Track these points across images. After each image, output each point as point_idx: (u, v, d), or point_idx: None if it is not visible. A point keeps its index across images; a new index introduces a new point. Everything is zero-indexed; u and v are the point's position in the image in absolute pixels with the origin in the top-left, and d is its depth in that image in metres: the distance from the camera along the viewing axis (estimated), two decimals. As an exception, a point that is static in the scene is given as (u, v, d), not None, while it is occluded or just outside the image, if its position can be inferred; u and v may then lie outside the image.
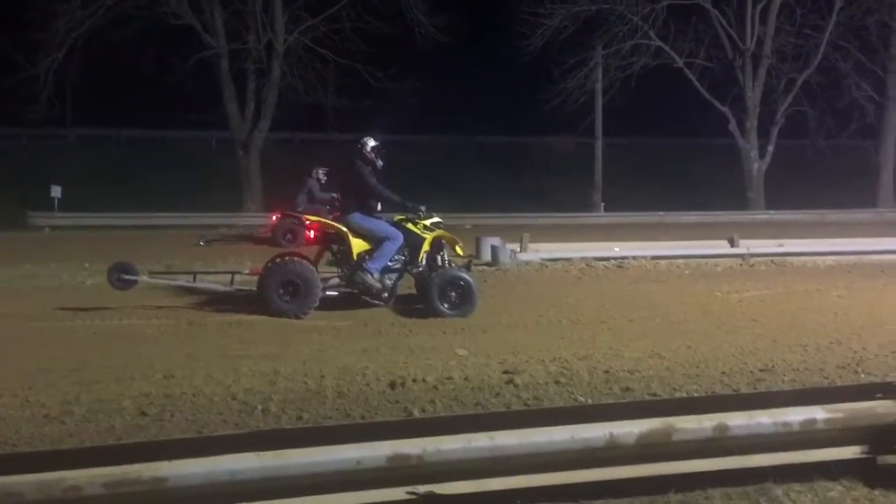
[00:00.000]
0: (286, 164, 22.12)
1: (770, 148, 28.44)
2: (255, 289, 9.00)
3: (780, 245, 14.42)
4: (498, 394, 5.79)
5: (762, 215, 26.05)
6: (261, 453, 3.45)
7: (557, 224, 22.78)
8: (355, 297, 9.13)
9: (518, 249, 13.59)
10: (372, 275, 8.95)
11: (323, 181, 16.54)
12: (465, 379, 6.14)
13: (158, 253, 14.38)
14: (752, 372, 6.37)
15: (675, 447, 3.91)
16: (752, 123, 28.18)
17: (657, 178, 31.71)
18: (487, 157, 33.87)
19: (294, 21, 24.99)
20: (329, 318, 8.71)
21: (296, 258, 9.07)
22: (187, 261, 13.48)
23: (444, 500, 3.68)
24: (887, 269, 12.72)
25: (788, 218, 24.50)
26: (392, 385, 5.96)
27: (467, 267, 9.78)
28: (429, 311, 8.83)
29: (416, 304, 9.24)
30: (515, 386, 5.94)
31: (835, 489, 4.11)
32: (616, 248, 14.04)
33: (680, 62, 27.61)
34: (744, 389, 5.85)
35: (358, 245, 9.05)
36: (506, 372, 6.31)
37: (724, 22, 27.73)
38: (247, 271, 9.74)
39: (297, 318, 8.67)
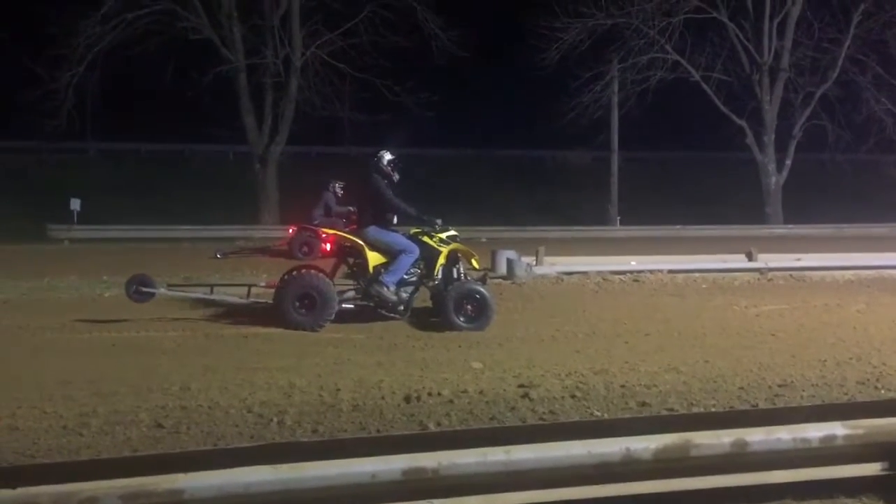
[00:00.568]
0: (302, 178, 22.23)
1: (788, 162, 28.31)
2: (271, 301, 9.03)
3: (799, 259, 14.31)
4: (513, 408, 5.76)
5: (780, 229, 25.90)
6: (276, 466, 3.45)
7: (573, 237, 22.73)
8: (371, 310, 9.12)
9: (534, 263, 13.56)
10: (388, 288, 8.95)
11: (339, 195, 16.59)
12: (481, 392, 6.13)
13: (176, 265, 14.46)
14: (770, 387, 6.32)
15: (692, 463, 3.88)
16: (770, 137, 28.08)
17: (674, 191, 31.60)
18: (503, 171, 33.88)
19: (311, 36, 25.17)
20: (344, 331, 8.72)
21: (312, 271, 9.09)
22: (204, 273, 13.55)
23: (460, 514, 3.66)
24: (907, 283, 12.60)
25: (806, 232, 24.33)
26: (407, 398, 5.95)
27: (483, 280, 9.77)
28: (444, 325, 8.82)
29: (432, 318, 9.23)
30: (531, 400, 5.92)
31: (855, 506, 4.07)
32: (633, 262, 13.98)
33: (697, 76, 27.57)
34: (762, 405, 5.80)
35: (374, 258, 9.06)
36: (521, 386, 6.29)
37: (741, 36, 27.69)
38: (263, 284, 9.77)
39: (313, 330, 8.68)
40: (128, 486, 3.29)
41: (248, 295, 9.45)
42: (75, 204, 22.10)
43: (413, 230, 9.42)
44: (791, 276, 13.55)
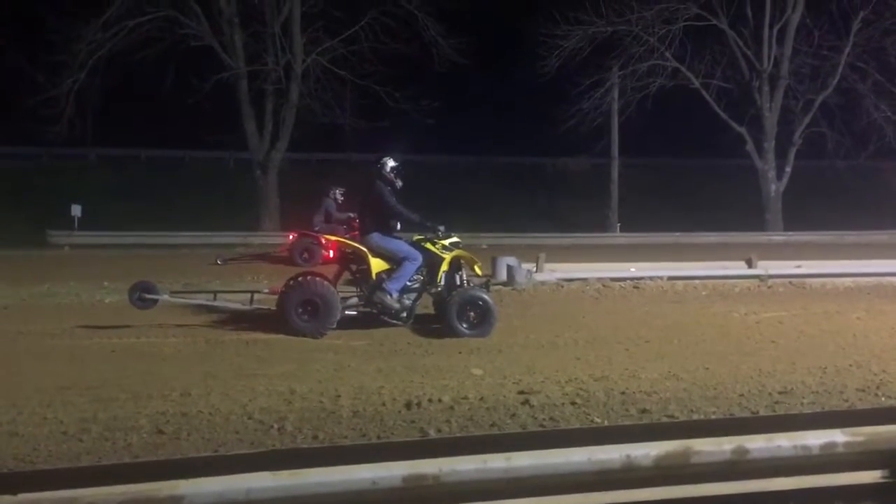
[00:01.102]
0: (303, 184, 22.29)
1: (788, 169, 28.36)
2: (273, 308, 9.03)
3: (799, 266, 14.31)
4: (514, 414, 5.77)
5: (780, 236, 25.93)
6: (276, 472, 3.45)
7: (573, 244, 22.76)
8: (374, 316, 9.13)
9: (534, 269, 13.57)
10: (391, 294, 8.95)
11: (340, 201, 16.61)
12: (481, 399, 6.13)
13: (176, 272, 14.48)
14: (770, 394, 6.31)
15: (693, 470, 3.87)
16: (770, 144, 28.13)
17: (674, 198, 31.61)
18: (504, 178, 33.91)
19: (312, 42, 25.24)
20: (345, 337, 8.72)
21: (316, 278, 9.09)
22: (205, 279, 13.58)
23: (460, 521, 3.66)
24: (907, 291, 12.61)
25: (806, 239, 24.36)
26: (408, 405, 5.95)
27: (485, 286, 9.78)
28: (446, 331, 8.82)
29: (434, 324, 9.23)
30: (531, 406, 5.92)
31: (856, 514, 4.07)
32: (632, 269, 13.99)
33: (696, 83, 27.63)
34: (762, 412, 5.80)
35: (377, 265, 9.07)
36: (521, 392, 6.29)
37: (740, 43, 27.76)
38: (266, 291, 9.77)
39: (315, 337, 8.68)
40: (128, 493, 3.29)
41: (252, 301, 9.46)
42: (76, 210, 22.12)
43: (416, 237, 9.43)
44: (791, 283, 13.55)
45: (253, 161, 25.95)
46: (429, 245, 9.25)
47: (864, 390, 6.44)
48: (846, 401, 6.15)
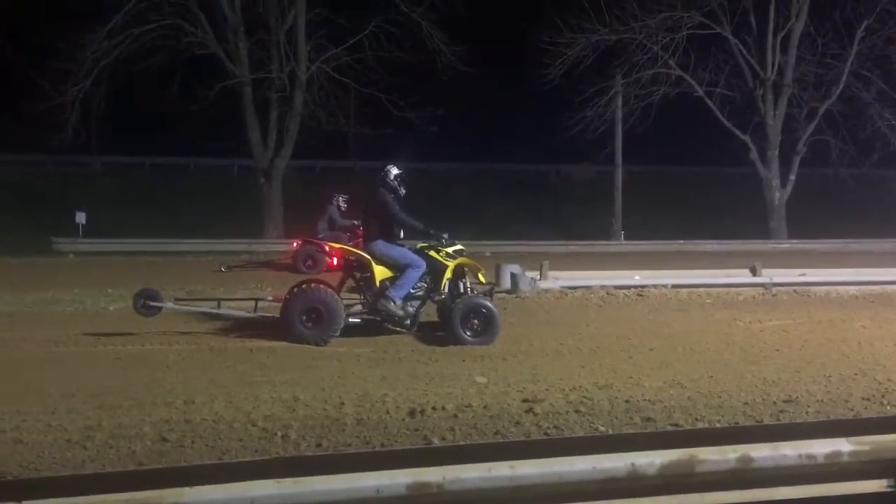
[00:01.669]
0: (307, 192, 22.33)
1: (792, 177, 28.34)
2: (278, 315, 9.03)
3: (803, 274, 14.27)
4: (518, 422, 5.76)
5: (784, 244, 25.88)
6: (280, 480, 3.44)
7: (577, 252, 22.74)
8: (377, 324, 9.12)
9: (538, 277, 13.55)
10: (395, 302, 8.95)
11: (343, 208, 16.63)
12: (485, 407, 6.12)
13: (180, 279, 14.49)
14: (775, 403, 6.30)
15: (697, 478, 3.86)
16: (774, 152, 28.12)
17: (677, 206, 31.59)
18: (507, 185, 33.91)
19: (317, 50, 25.30)
20: (349, 344, 8.72)
21: (320, 285, 9.09)
22: (209, 287, 13.58)
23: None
24: (912, 299, 12.57)
25: (811, 247, 24.29)
26: (412, 413, 5.95)
27: (489, 294, 9.78)
28: (450, 339, 8.82)
29: (438, 332, 9.23)
30: (535, 415, 5.91)
31: (861, 523, 4.05)
32: (636, 277, 13.96)
33: (700, 91, 27.63)
34: (767, 420, 5.79)
35: (381, 272, 9.07)
36: (525, 400, 6.28)
37: (744, 51, 27.78)
38: (270, 298, 9.77)
39: (318, 345, 8.67)
40: (132, 500, 3.28)
41: (256, 309, 9.46)
42: (80, 217, 22.16)
43: (419, 244, 9.43)
44: (795, 291, 13.52)
45: (257, 168, 26.00)
46: (432, 253, 9.25)
47: (869, 399, 6.43)
48: (851, 409, 6.14)
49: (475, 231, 22.21)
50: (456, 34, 25.38)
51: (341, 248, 9.82)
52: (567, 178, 36.48)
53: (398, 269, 9.07)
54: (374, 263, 9.08)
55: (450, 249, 9.34)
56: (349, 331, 9.01)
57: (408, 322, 9.09)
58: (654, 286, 13.34)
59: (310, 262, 16.11)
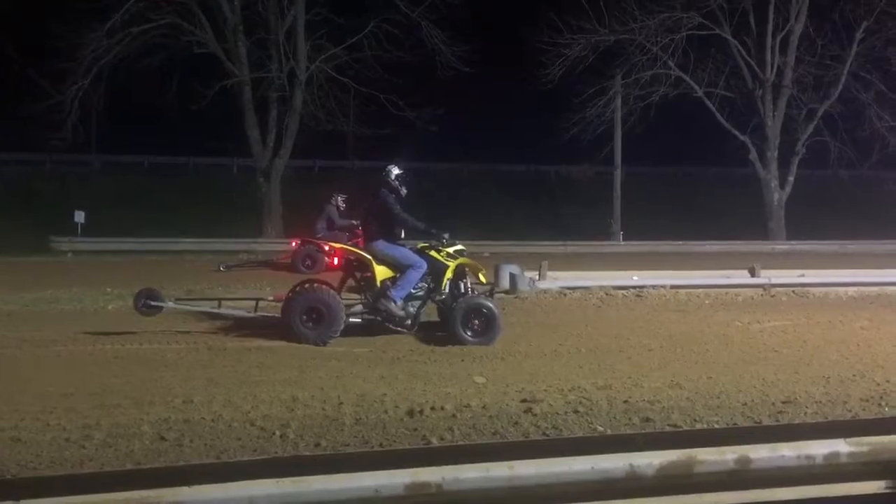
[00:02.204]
0: (306, 191, 22.34)
1: (791, 178, 28.35)
2: (278, 315, 9.03)
3: (802, 275, 14.28)
4: (516, 422, 5.76)
5: (783, 245, 25.91)
6: (279, 480, 3.44)
7: (576, 252, 22.75)
8: (378, 324, 9.12)
9: (537, 277, 13.56)
10: (395, 302, 8.95)
11: (342, 208, 16.63)
12: (484, 407, 6.12)
13: (179, 278, 14.50)
14: (773, 403, 6.30)
15: (696, 479, 3.86)
16: (773, 153, 28.13)
17: (676, 207, 31.62)
18: (506, 185, 33.94)
19: (316, 50, 25.29)
20: (348, 344, 8.71)
21: (322, 285, 9.08)
22: (208, 286, 13.59)
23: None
24: (911, 300, 12.58)
25: (809, 248, 24.31)
26: (410, 413, 5.95)
27: (490, 294, 9.78)
28: (451, 339, 8.82)
29: (438, 332, 9.23)
30: (534, 415, 5.91)
31: (860, 524, 4.05)
32: (635, 277, 13.97)
33: (700, 92, 27.64)
34: (766, 421, 5.79)
35: (382, 272, 9.07)
36: (524, 401, 6.29)
37: (743, 52, 27.79)
38: (271, 298, 9.77)
39: (318, 345, 8.65)
40: (130, 499, 3.28)
41: (256, 309, 9.45)
42: (79, 216, 22.14)
43: (420, 244, 9.43)
44: (794, 292, 13.53)
45: (256, 168, 26.00)
46: (433, 253, 9.25)
47: (867, 400, 6.43)
48: (850, 411, 6.14)
49: (474, 231, 22.19)
50: (455, 34, 25.41)
51: (342, 247, 9.83)
52: (566, 179, 36.53)
53: (399, 269, 9.07)
54: (374, 263, 9.08)
55: (450, 249, 9.34)
56: (348, 330, 9.00)
57: (408, 322, 9.09)
58: (653, 287, 13.34)
59: (309, 262, 16.12)
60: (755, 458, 3.89)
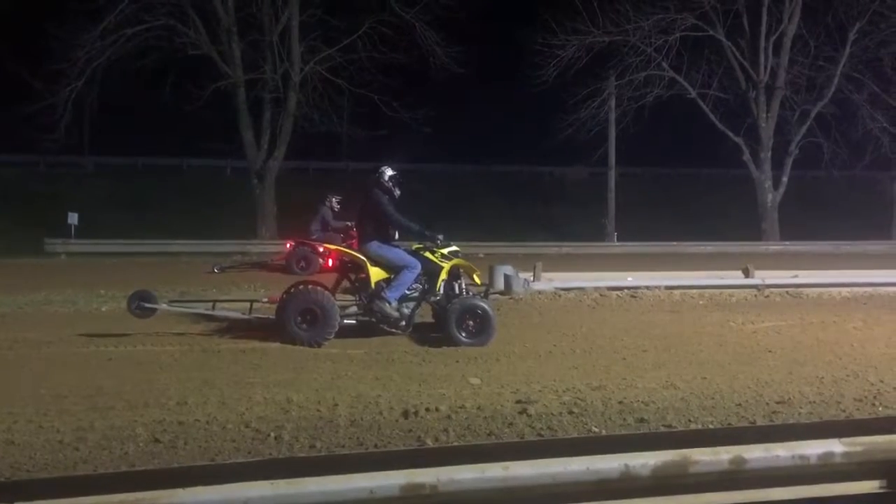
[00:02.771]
0: (300, 193, 22.33)
1: (784, 179, 28.45)
2: (272, 316, 9.01)
3: (795, 276, 14.34)
4: (511, 423, 5.76)
5: (776, 246, 25.99)
6: (274, 481, 3.43)
7: (570, 253, 22.80)
8: (372, 325, 9.11)
9: (531, 278, 13.58)
10: (390, 303, 8.94)
11: (336, 209, 16.63)
12: (478, 408, 6.12)
13: (173, 280, 14.46)
14: (768, 404, 6.32)
15: (691, 480, 3.86)
16: (766, 154, 28.21)
17: (670, 207, 31.70)
18: (501, 187, 33.96)
19: (310, 51, 25.30)
20: (342, 345, 8.70)
21: (317, 287, 9.07)
22: (201, 288, 13.57)
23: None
24: (904, 300, 12.62)
25: (803, 249, 24.41)
26: (405, 414, 5.94)
27: (485, 295, 9.77)
28: (445, 340, 8.82)
29: (433, 333, 9.23)
30: (529, 416, 5.91)
31: (854, 524, 4.06)
32: (629, 278, 14.00)
33: (693, 93, 27.72)
34: (760, 421, 5.80)
35: (376, 273, 9.07)
36: (519, 402, 6.29)
37: (737, 53, 27.87)
38: (265, 300, 9.75)
39: (312, 346, 8.64)
40: (125, 502, 3.26)
41: (251, 310, 9.44)
42: (73, 218, 22.09)
43: (415, 246, 9.42)
44: (788, 292, 13.57)
45: (250, 169, 25.98)
46: (428, 254, 9.25)
47: (861, 400, 6.45)
48: (844, 411, 6.15)
49: (468, 232, 22.21)
50: (450, 35, 25.43)
51: (336, 249, 9.80)
52: (561, 180, 36.59)
53: (393, 270, 9.07)
54: (369, 265, 9.07)
55: (445, 251, 9.33)
56: (343, 332, 8.99)
57: (403, 323, 9.08)
58: (647, 287, 13.37)
59: (303, 264, 16.12)
60: (750, 458, 3.89)
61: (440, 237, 9.36)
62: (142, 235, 22.99)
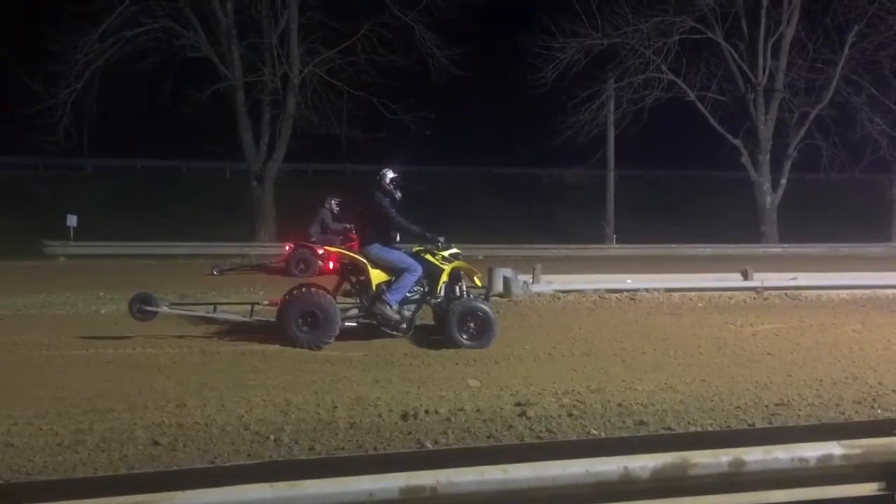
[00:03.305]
0: (299, 195, 22.31)
1: (783, 181, 28.44)
2: (273, 319, 9.01)
3: (794, 278, 14.34)
4: (510, 426, 5.76)
5: (775, 248, 25.97)
6: (273, 484, 3.43)
7: (569, 255, 22.80)
8: (373, 327, 9.11)
9: (530, 280, 13.57)
10: (391, 306, 8.94)
11: (335, 211, 16.62)
12: (478, 411, 6.12)
13: (172, 282, 14.46)
14: (767, 406, 6.32)
15: (690, 482, 3.87)
16: (765, 157, 28.20)
17: (669, 210, 31.70)
18: (500, 189, 33.96)
19: (309, 53, 25.29)
20: (341, 348, 8.70)
21: (318, 289, 9.06)
22: (201, 290, 13.55)
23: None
24: (903, 303, 12.63)
25: (802, 251, 24.42)
26: (404, 416, 5.95)
27: (486, 298, 9.77)
28: (445, 342, 8.81)
29: (433, 335, 9.22)
30: (528, 418, 5.91)
31: (853, 526, 4.06)
32: (629, 280, 13.99)
33: (692, 95, 27.72)
34: (759, 424, 5.81)
35: (377, 276, 9.06)
36: (518, 404, 6.29)
37: (736, 56, 27.87)
38: (266, 302, 9.74)
39: (311, 349, 8.63)
40: (124, 504, 3.28)
41: (252, 313, 9.43)
42: (72, 220, 22.05)
43: (416, 248, 9.42)
44: (787, 295, 13.57)
45: (250, 172, 25.95)
46: (428, 256, 9.25)
47: (860, 402, 6.46)
48: (843, 413, 6.16)
49: (468, 234, 22.19)
50: (449, 37, 25.41)
51: (337, 251, 9.79)
52: (560, 182, 36.58)
53: (394, 272, 9.06)
54: (370, 267, 9.07)
55: (446, 253, 9.33)
56: (343, 334, 8.98)
57: (404, 326, 9.08)
58: (647, 290, 13.37)
59: (302, 266, 16.11)
60: (749, 460, 3.90)
61: (441, 239, 9.36)
62: (141, 237, 22.96)
